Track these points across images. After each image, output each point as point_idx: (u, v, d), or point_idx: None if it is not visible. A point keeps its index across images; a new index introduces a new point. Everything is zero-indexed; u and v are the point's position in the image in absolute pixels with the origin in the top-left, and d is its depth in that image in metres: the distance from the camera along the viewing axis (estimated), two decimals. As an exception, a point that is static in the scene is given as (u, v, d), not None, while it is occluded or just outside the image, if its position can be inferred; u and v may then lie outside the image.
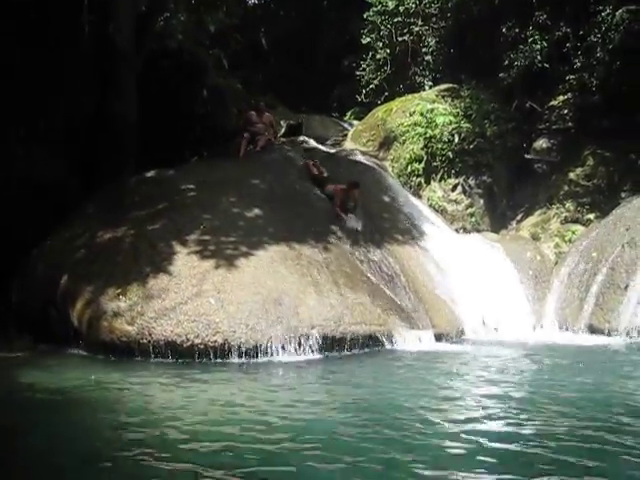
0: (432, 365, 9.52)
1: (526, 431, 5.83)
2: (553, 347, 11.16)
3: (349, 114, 24.80)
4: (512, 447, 5.34)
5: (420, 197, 16.28)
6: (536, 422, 6.11)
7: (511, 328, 12.79)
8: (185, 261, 10.74)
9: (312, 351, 10.05)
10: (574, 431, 5.75)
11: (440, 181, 16.61)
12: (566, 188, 15.26)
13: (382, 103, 20.23)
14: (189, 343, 9.75)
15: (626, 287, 11.97)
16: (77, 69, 14.59)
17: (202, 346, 9.71)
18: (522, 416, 6.31)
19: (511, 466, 4.92)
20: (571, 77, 15.79)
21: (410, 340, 10.96)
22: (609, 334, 11.79)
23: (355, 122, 21.54)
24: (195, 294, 10.17)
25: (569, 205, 15.13)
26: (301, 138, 18.03)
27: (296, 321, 10.24)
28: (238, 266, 10.73)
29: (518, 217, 16.21)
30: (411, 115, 17.38)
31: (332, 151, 17.26)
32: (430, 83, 21.07)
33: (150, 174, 13.38)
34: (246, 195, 12.44)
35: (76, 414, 6.85)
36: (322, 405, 7.06)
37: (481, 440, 5.48)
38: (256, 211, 12.12)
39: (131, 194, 12.71)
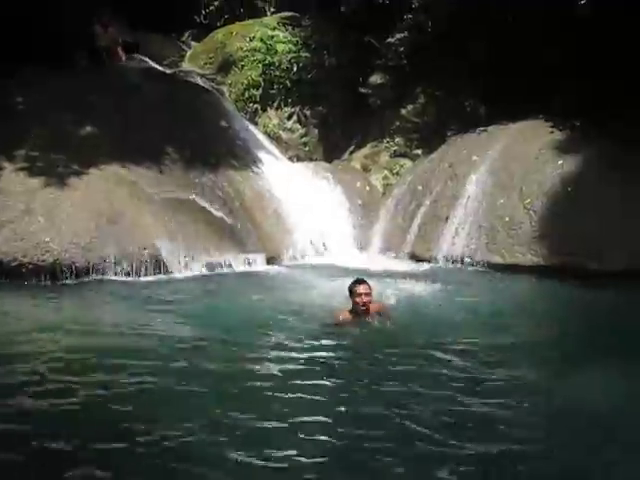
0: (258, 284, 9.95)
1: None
2: (374, 272, 11.76)
3: (187, 35, 24.15)
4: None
5: (256, 124, 16.35)
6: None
7: (339, 253, 13.33)
8: (12, 177, 10.33)
9: (146, 271, 10.09)
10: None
11: (277, 109, 16.73)
12: (397, 123, 15.80)
13: (222, 26, 19.89)
14: (16, 262, 9.49)
15: (446, 219, 12.77)
16: None
17: (32, 266, 9.48)
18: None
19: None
20: (409, 16, 16.23)
21: (242, 263, 11.25)
22: (429, 261, 12.60)
23: (194, 43, 21.06)
24: (23, 212, 9.86)
25: (399, 140, 15.71)
26: (138, 57, 17.44)
27: (130, 242, 10.20)
28: (70, 185, 10.47)
29: (350, 148, 16.65)
30: (251, 40, 17.28)
31: (169, 72, 16.88)
32: (272, 9, 20.91)
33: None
34: (79, 112, 11.99)
35: None
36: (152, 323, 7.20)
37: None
38: (89, 129, 11.75)
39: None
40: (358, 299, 7.22)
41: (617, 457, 4.12)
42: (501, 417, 4.67)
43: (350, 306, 7.39)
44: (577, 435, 4.45)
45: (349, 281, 7.61)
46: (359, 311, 7.25)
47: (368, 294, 7.28)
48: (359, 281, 7.44)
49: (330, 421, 4.58)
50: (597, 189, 11.41)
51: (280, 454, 4.06)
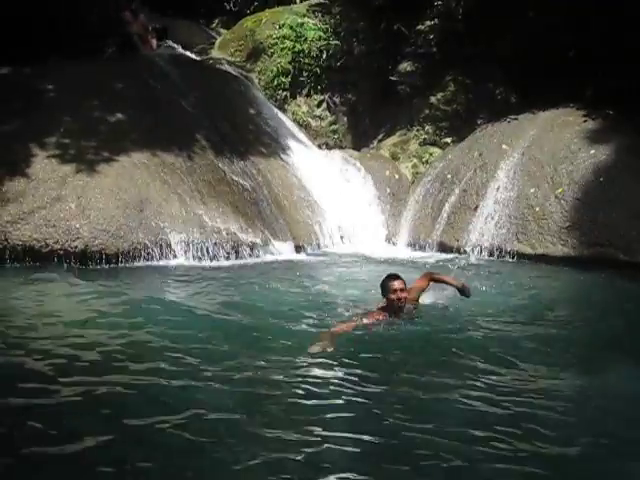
0: (287, 273, 9.95)
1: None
2: (402, 261, 11.72)
3: (216, 22, 24.19)
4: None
5: (285, 111, 16.34)
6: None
7: (367, 242, 13.32)
8: (44, 164, 10.43)
9: (174, 258, 10.16)
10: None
11: (306, 96, 16.72)
12: (426, 111, 15.71)
13: (251, 13, 19.88)
14: (48, 249, 9.60)
15: (475, 208, 12.69)
16: None
17: (62, 252, 9.58)
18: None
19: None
20: (439, 3, 16.11)
21: (272, 251, 11.30)
22: (458, 251, 12.53)
23: (223, 31, 21.08)
24: (54, 198, 9.96)
25: (428, 128, 15.62)
26: (166, 44, 17.49)
27: (158, 229, 10.27)
28: (99, 171, 10.55)
29: (379, 136, 16.60)
30: (280, 28, 17.23)
31: (198, 59, 16.92)
32: (301, -4, 20.86)
33: (3, 71, 12.63)
34: (109, 99, 12.06)
35: None
36: (188, 308, 7.24)
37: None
38: (119, 116, 11.82)
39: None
40: (393, 295, 6.65)
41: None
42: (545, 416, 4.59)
43: (381, 304, 6.86)
44: (614, 433, 4.38)
45: (377, 271, 7.56)
46: (395, 309, 6.69)
47: (403, 290, 6.71)
48: (393, 276, 6.85)
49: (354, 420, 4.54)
50: (629, 180, 11.26)
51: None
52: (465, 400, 4.75)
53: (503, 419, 4.47)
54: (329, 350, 5.77)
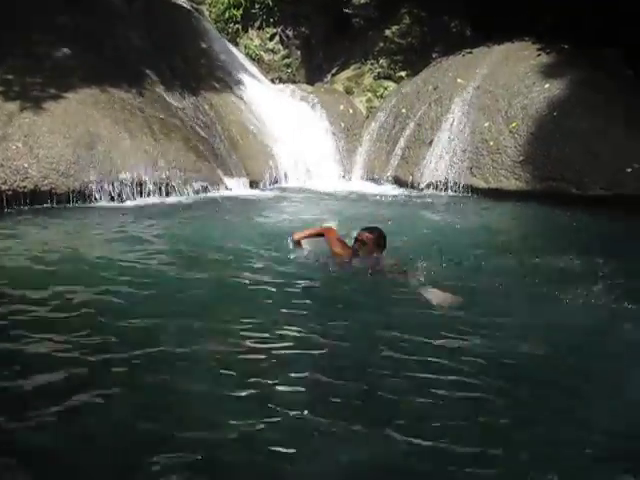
0: (241, 209, 9.89)
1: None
2: (356, 196, 11.73)
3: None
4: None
5: (237, 45, 16.00)
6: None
7: (322, 178, 13.27)
8: (-13, 101, 10.06)
9: (127, 197, 9.98)
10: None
11: (258, 29, 16.38)
12: (381, 45, 15.55)
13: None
14: (-5, 189, 9.34)
15: (430, 142, 12.69)
16: None
17: (10, 192, 9.33)
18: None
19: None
20: None
21: (225, 187, 11.20)
22: (412, 186, 12.56)
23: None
24: (0, 138, 9.64)
25: (383, 61, 15.48)
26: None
27: (110, 166, 10.07)
28: (46, 109, 10.21)
29: (333, 70, 16.41)
30: (230, -42, 16.73)
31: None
32: None
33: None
34: (54, 33, 11.59)
35: None
36: (141, 246, 7.14)
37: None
38: (65, 51, 11.40)
39: None
40: (356, 244, 6.32)
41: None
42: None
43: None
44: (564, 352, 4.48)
45: (331, 206, 7.47)
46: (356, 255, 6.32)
47: (365, 242, 6.27)
48: (368, 229, 6.43)
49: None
50: (582, 114, 11.32)
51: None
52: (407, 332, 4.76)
53: (462, 351, 4.50)
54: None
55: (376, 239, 6.31)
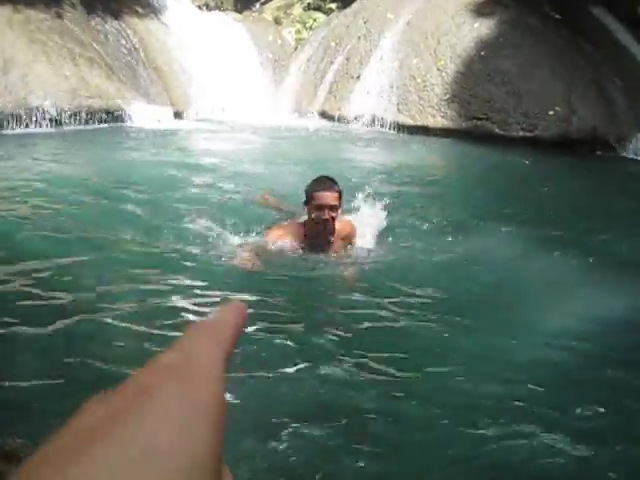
0: (165, 140, 9.64)
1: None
2: (284, 129, 11.59)
3: None
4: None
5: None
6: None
7: (249, 109, 13.04)
8: None
9: (46, 124, 9.61)
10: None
11: (184, -49, 15.78)
12: (311, -26, 15.23)
13: None
14: None
15: (358, 77, 12.59)
16: None
17: None
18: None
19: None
20: None
21: (149, 117, 10.84)
22: (339, 120, 12.49)
23: None
24: None
25: (313, -9, 15.20)
26: None
27: (26, 92, 9.64)
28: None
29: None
30: None
31: None
32: None
33: None
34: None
35: None
36: (55, 177, 6.90)
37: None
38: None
39: None
40: (318, 213, 4.42)
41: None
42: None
43: (300, 218, 4.78)
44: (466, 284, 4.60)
45: (256, 141, 7.20)
46: (316, 234, 4.53)
47: (335, 207, 4.44)
48: (323, 182, 4.49)
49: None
50: (509, 55, 11.38)
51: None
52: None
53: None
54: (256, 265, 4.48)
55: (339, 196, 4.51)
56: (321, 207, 4.40)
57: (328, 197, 4.40)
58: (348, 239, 4.84)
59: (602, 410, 3.08)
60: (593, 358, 3.62)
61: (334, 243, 4.68)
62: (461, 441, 2.85)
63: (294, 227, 4.69)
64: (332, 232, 4.56)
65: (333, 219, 4.46)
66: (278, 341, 3.58)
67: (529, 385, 3.30)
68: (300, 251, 4.60)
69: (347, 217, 5.02)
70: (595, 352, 3.69)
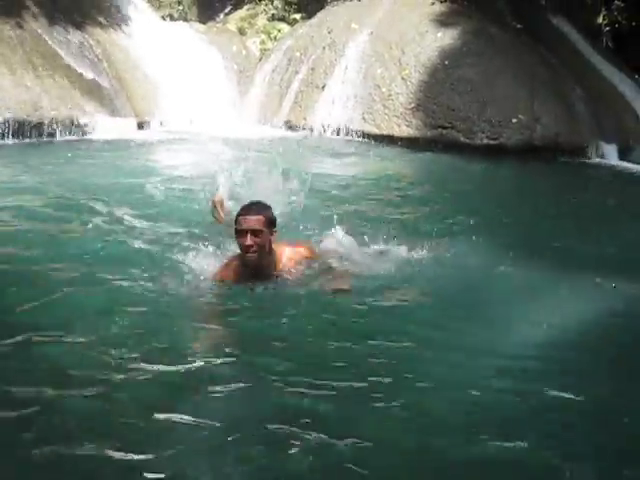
0: (128, 152, 9.56)
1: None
2: (248, 140, 11.53)
3: None
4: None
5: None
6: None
7: (213, 120, 12.97)
8: None
9: (5, 136, 9.49)
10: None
11: (147, -37, 15.71)
12: (275, -15, 15.25)
13: None
14: None
15: (323, 87, 12.61)
16: None
17: None
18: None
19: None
20: None
21: (111, 128, 10.76)
22: (304, 130, 12.49)
23: None
24: None
25: (277, 3, 15.21)
26: None
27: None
28: None
29: (226, 10, 16.01)
30: None
31: None
32: None
33: None
34: None
35: None
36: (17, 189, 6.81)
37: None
38: None
39: None
40: (240, 239, 4.23)
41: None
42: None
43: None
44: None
45: (222, 151, 7.11)
46: (247, 263, 4.30)
47: (258, 232, 4.20)
48: (247, 206, 4.33)
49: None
50: (472, 64, 11.50)
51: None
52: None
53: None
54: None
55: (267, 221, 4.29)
56: (242, 232, 4.22)
57: (249, 221, 4.20)
58: (304, 264, 4.52)
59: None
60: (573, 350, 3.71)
61: (280, 270, 4.42)
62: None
63: (234, 259, 4.45)
64: (262, 259, 4.28)
65: (258, 245, 4.20)
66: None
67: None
68: (244, 284, 4.33)
69: (304, 242, 4.79)
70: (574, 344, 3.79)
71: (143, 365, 3.34)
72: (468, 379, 3.37)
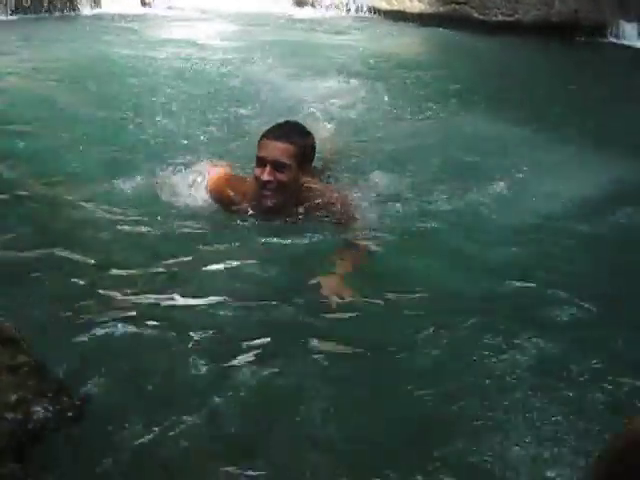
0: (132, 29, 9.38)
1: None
2: (255, 17, 11.13)
3: None
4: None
5: None
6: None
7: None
8: None
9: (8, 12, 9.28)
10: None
11: None
12: None
13: None
14: None
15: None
16: None
17: None
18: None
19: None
20: None
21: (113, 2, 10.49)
22: (313, 5, 12.05)
23: None
24: None
25: None
26: None
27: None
28: None
29: None
30: None
31: None
32: None
33: None
34: None
35: None
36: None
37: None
38: None
39: None
40: (258, 168, 3.30)
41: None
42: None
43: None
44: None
45: (225, 31, 6.89)
46: (259, 197, 3.35)
47: (283, 165, 3.27)
48: (277, 128, 3.41)
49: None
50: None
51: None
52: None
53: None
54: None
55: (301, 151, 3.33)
56: (262, 161, 3.24)
57: (274, 149, 3.22)
58: (329, 215, 3.39)
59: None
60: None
61: (293, 215, 3.36)
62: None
63: (248, 180, 3.48)
64: (280, 202, 3.30)
65: (279, 183, 3.23)
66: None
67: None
68: (247, 213, 3.37)
69: (340, 189, 3.65)
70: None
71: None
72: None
